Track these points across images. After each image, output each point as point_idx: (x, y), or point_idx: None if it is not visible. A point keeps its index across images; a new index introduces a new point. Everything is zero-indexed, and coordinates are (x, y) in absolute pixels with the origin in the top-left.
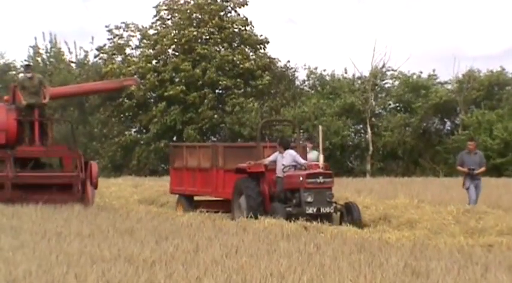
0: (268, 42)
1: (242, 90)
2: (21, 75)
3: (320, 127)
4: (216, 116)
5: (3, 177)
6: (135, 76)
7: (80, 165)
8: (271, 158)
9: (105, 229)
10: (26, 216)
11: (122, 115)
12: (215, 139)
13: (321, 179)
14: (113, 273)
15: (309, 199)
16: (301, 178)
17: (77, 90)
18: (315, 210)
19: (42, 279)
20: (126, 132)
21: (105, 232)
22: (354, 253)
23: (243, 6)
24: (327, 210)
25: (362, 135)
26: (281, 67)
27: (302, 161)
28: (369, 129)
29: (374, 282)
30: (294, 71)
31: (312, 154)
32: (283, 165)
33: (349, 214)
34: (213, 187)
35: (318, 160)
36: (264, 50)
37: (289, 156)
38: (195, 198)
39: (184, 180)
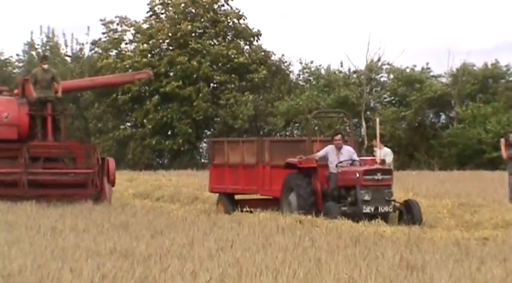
0: (261, 35)
1: (237, 85)
2: (37, 68)
3: (377, 119)
4: (210, 109)
5: (17, 174)
6: (149, 69)
7: (96, 161)
8: (321, 153)
9: (100, 223)
10: (21, 210)
11: (116, 110)
12: (209, 132)
13: (379, 176)
14: (108, 268)
15: (366, 197)
16: (357, 175)
17: (89, 83)
18: (372, 209)
19: (38, 273)
20: (122, 127)
21: (100, 226)
22: (349, 247)
23: None
24: (386, 209)
25: (357, 128)
26: (276, 61)
27: (356, 158)
28: (363, 123)
29: (369, 276)
30: (288, 65)
31: (384, 151)
32: (337, 160)
33: (409, 213)
34: (259, 185)
35: (384, 157)
36: (257, 42)
37: (347, 151)
38: (236, 196)
39: (226, 178)
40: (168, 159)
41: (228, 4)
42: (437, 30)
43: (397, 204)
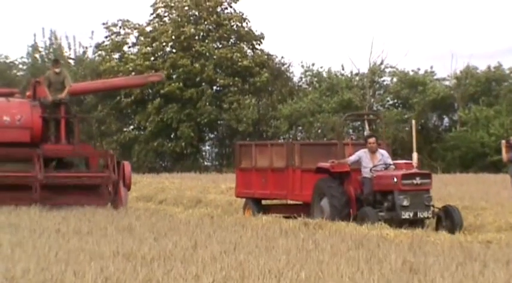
0: (263, 38)
1: (240, 88)
2: (49, 71)
3: (413, 121)
4: (214, 112)
5: (31, 178)
6: (159, 73)
7: (111, 165)
8: (354, 157)
9: (104, 226)
10: (25, 213)
11: (119, 112)
12: (213, 135)
13: (418, 180)
14: (112, 270)
15: (405, 202)
16: (395, 180)
17: (100, 86)
18: (411, 214)
19: (41, 276)
20: (125, 129)
21: (104, 229)
22: (352, 249)
23: (238, 0)
24: (425, 214)
25: (359, 131)
26: (277, 63)
27: (391, 162)
28: (366, 126)
29: (372, 279)
30: (288, 66)
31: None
32: (372, 164)
33: (448, 218)
34: (289, 190)
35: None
36: (260, 45)
37: (382, 155)
38: (263, 201)
39: (253, 182)
40: (171, 162)
41: (231, 7)
42: (440, 34)
43: (436, 210)
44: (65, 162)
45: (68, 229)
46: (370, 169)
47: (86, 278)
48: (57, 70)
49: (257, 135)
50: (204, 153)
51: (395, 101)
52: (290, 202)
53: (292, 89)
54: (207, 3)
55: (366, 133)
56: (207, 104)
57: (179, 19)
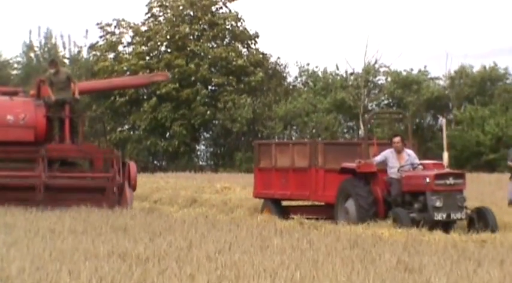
0: (258, 37)
1: (235, 87)
2: (49, 71)
3: (444, 120)
4: (208, 112)
5: (35, 178)
6: (171, 72)
7: (117, 166)
8: (379, 158)
9: (99, 226)
10: (20, 213)
11: (114, 112)
12: (208, 135)
13: (451, 180)
14: (106, 270)
15: (438, 203)
16: (427, 180)
17: (105, 85)
18: (444, 216)
19: (36, 275)
20: (119, 129)
21: (99, 229)
22: (347, 249)
23: (234, 0)
24: (458, 216)
25: (354, 131)
26: (272, 63)
27: (418, 162)
28: (361, 125)
29: (367, 278)
30: (284, 67)
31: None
32: (399, 164)
33: (482, 220)
34: (311, 190)
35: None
36: (255, 45)
37: (408, 155)
38: (283, 202)
39: (273, 182)
40: (165, 161)
41: (226, 7)
42: (434, 34)
43: (469, 211)
44: (69, 162)
45: (63, 228)
46: (398, 170)
47: (81, 278)
48: (52, 70)
49: (252, 134)
50: (199, 153)
51: (390, 100)
52: (303, 202)
53: (287, 88)
54: (202, 3)
55: (360, 133)
56: (202, 103)
57: (174, 19)
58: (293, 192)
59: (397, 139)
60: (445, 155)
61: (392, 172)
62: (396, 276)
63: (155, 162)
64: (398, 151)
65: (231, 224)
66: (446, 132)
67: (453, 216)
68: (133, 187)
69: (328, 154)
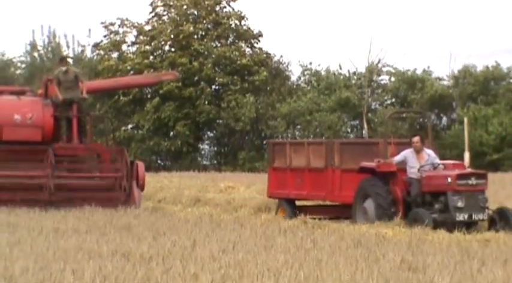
0: (262, 36)
1: (238, 87)
2: (57, 70)
3: (465, 120)
4: (213, 111)
5: (42, 178)
6: (175, 70)
7: (125, 165)
8: (399, 157)
9: (102, 225)
10: (23, 212)
11: (118, 111)
12: (212, 134)
13: (473, 180)
14: (110, 269)
15: (460, 204)
16: (449, 180)
17: (113, 84)
18: (466, 216)
19: (39, 275)
20: (123, 128)
21: (102, 228)
22: (350, 248)
23: None
24: (480, 216)
25: (358, 130)
26: (275, 62)
27: (438, 161)
28: (365, 125)
29: (371, 277)
30: (287, 65)
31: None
32: (419, 164)
33: (503, 220)
34: (328, 191)
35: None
36: (258, 43)
37: (428, 155)
38: (297, 202)
39: (288, 182)
40: (169, 160)
41: (230, 6)
42: (438, 34)
43: (490, 212)
44: (77, 162)
45: (67, 228)
46: (418, 170)
47: (85, 277)
48: (63, 68)
49: (256, 134)
50: (202, 152)
51: (394, 100)
52: (315, 202)
53: (290, 88)
54: (206, 2)
55: (364, 132)
56: (206, 102)
57: (178, 18)
58: (309, 192)
59: (416, 139)
60: (466, 155)
61: (412, 172)
62: (400, 275)
63: (159, 161)
64: (418, 151)
65: (234, 223)
66: (450, 132)
67: (475, 216)
68: (141, 187)
69: (345, 154)
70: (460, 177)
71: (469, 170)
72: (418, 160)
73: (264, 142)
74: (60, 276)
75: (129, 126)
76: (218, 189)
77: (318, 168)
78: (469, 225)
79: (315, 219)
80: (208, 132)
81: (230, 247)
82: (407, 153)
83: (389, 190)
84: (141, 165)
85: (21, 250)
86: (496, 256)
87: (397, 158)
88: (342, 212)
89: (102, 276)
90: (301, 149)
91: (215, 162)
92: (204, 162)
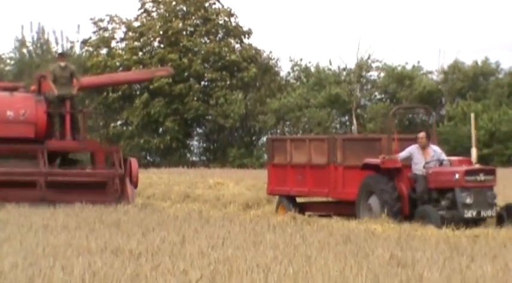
0: (251, 33)
1: (228, 83)
2: (54, 65)
3: (472, 115)
4: (201, 107)
5: (36, 174)
6: (170, 66)
7: (118, 162)
8: (404, 153)
9: (92, 221)
10: (13, 208)
11: (107, 108)
12: (201, 131)
13: (481, 177)
14: (99, 265)
15: (468, 200)
16: (457, 176)
17: (107, 80)
18: (474, 213)
19: (29, 271)
20: (112, 124)
21: (92, 224)
22: (339, 244)
23: None
24: (488, 213)
25: (347, 126)
26: (265, 58)
27: (445, 157)
28: (354, 121)
29: (360, 273)
30: (276, 61)
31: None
32: (424, 161)
33: (511, 217)
34: (331, 187)
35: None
36: (248, 39)
37: (434, 151)
38: (298, 199)
39: (289, 179)
40: (158, 157)
41: (219, 2)
42: (427, 29)
43: (498, 208)
44: (70, 158)
45: (56, 224)
46: (424, 166)
47: (74, 273)
48: (62, 64)
49: (245, 130)
50: (192, 148)
51: (383, 95)
52: (316, 199)
53: (279, 83)
54: None
55: (353, 128)
56: (195, 98)
57: (167, 14)
58: (311, 189)
59: (421, 134)
60: (474, 151)
61: (417, 168)
62: (389, 271)
63: (148, 157)
64: (423, 147)
65: (224, 220)
66: (439, 128)
67: (483, 213)
68: (134, 184)
69: (347, 151)
70: (469, 173)
71: (477, 166)
72: (423, 157)
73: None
74: (50, 272)
75: (119, 122)
76: (207, 185)
77: (320, 165)
78: (477, 222)
79: (312, 216)
80: (198, 129)
81: (219, 243)
82: (412, 149)
83: (394, 186)
84: (134, 162)
85: (10, 246)
86: (485, 252)
87: (403, 154)
88: (344, 209)
89: (91, 272)
90: (302, 145)
91: (204, 158)
92: (193, 159)
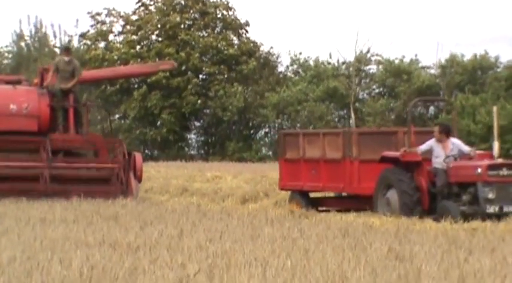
0: (249, 26)
1: (226, 76)
2: (58, 58)
3: (495, 108)
4: (199, 101)
5: (39, 168)
6: (171, 60)
7: (122, 156)
8: (424, 147)
9: (90, 215)
10: (11, 202)
11: (105, 101)
12: (199, 124)
13: (504, 171)
14: (97, 259)
15: (490, 195)
16: (479, 170)
17: (109, 74)
18: (497, 209)
19: (27, 264)
20: (110, 118)
21: (90, 218)
22: (337, 238)
23: None
24: (511, 208)
25: (345, 120)
26: (265, 52)
27: (467, 149)
28: (352, 115)
29: (358, 267)
30: (277, 57)
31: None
32: (445, 154)
33: None
34: (346, 182)
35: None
36: (246, 33)
37: (453, 144)
38: (311, 194)
39: (302, 174)
40: (156, 150)
41: None
42: (425, 23)
43: None
44: (73, 152)
45: (54, 217)
46: (444, 160)
47: (72, 266)
48: (66, 58)
49: (243, 123)
50: (190, 142)
51: (381, 89)
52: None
53: (278, 77)
54: None
55: (351, 122)
56: (193, 92)
57: (164, 7)
58: (325, 184)
59: (435, 128)
60: (496, 145)
61: (438, 162)
62: (387, 265)
63: (146, 151)
64: (440, 140)
65: (222, 213)
66: (437, 121)
67: (506, 209)
68: (138, 179)
69: (363, 144)
70: (491, 167)
71: (500, 160)
72: (443, 150)
73: (252, 132)
74: (48, 265)
75: (117, 116)
76: (205, 178)
77: (334, 159)
78: (499, 218)
79: (338, 211)
80: (196, 122)
81: (217, 237)
82: (432, 142)
83: (412, 178)
84: (138, 156)
85: (8, 239)
86: (483, 245)
87: (423, 147)
88: (359, 204)
89: (89, 266)
90: (316, 140)
91: (202, 152)
92: (192, 152)
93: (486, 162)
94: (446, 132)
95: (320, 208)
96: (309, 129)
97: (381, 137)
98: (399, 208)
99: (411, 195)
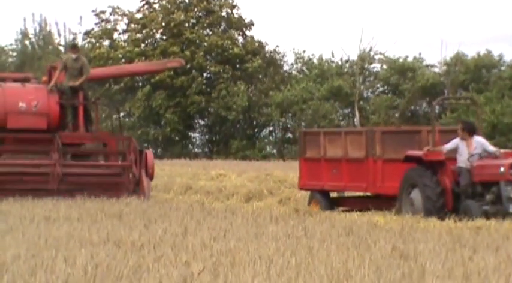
0: (253, 24)
1: (230, 75)
2: (66, 55)
3: None
4: (203, 101)
5: (49, 167)
6: (179, 59)
7: (134, 154)
8: (450, 145)
9: (94, 213)
10: (15, 200)
11: (109, 99)
12: (203, 122)
13: None
14: (102, 257)
15: None
16: (502, 169)
17: (117, 71)
18: None
19: (31, 262)
20: (114, 116)
21: (94, 216)
22: (342, 236)
23: None
24: None
25: (350, 118)
26: (270, 51)
27: (492, 149)
28: (356, 113)
29: (362, 265)
30: (282, 56)
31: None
32: (469, 153)
33: None
34: (369, 182)
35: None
36: (250, 31)
37: (477, 143)
38: (332, 194)
39: (322, 174)
40: (161, 148)
41: None
42: (430, 21)
43: None
44: (83, 150)
45: (58, 216)
46: (468, 159)
47: (77, 264)
48: (73, 55)
49: (247, 122)
50: (194, 140)
51: (385, 87)
52: (346, 194)
53: (283, 76)
54: None
55: (355, 120)
56: (197, 92)
57: (169, 6)
58: (347, 184)
59: (459, 125)
60: None
61: (462, 161)
62: (391, 263)
63: (151, 149)
64: (464, 139)
65: (226, 211)
66: (442, 120)
67: None
68: (150, 177)
69: (386, 143)
70: None
71: None
72: (467, 149)
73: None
74: (52, 264)
75: (121, 114)
76: (209, 177)
77: (357, 159)
78: None
79: (360, 211)
80: (200, 120)
81: (221, 235)
82: (458, 141)
83: (437, 180)
84: (150, 154)
85: (12, 238)
86: (488, 244)
87: (448, 146)
88: (381, 204)
89: (93, 264)
90: (337, 139)
91: (207, 150)
92: (196, 150)
93: (509, 160)
94: (469, 130)
95: (340, 208)
96: (330, 128)
97: (405, 136)
98: (422, 211)
99: (435, 201)
